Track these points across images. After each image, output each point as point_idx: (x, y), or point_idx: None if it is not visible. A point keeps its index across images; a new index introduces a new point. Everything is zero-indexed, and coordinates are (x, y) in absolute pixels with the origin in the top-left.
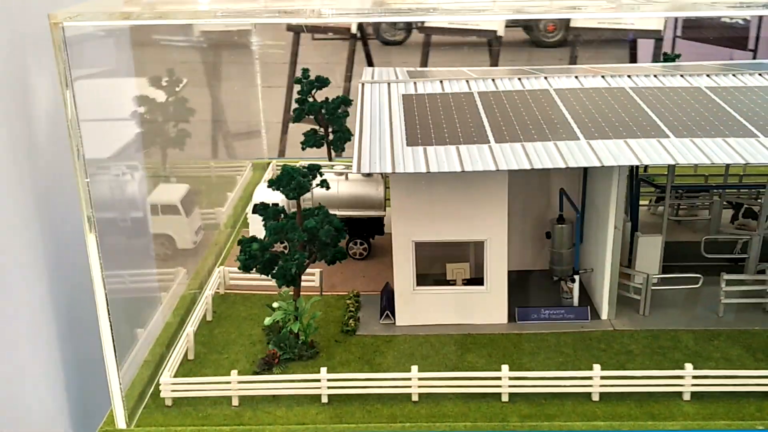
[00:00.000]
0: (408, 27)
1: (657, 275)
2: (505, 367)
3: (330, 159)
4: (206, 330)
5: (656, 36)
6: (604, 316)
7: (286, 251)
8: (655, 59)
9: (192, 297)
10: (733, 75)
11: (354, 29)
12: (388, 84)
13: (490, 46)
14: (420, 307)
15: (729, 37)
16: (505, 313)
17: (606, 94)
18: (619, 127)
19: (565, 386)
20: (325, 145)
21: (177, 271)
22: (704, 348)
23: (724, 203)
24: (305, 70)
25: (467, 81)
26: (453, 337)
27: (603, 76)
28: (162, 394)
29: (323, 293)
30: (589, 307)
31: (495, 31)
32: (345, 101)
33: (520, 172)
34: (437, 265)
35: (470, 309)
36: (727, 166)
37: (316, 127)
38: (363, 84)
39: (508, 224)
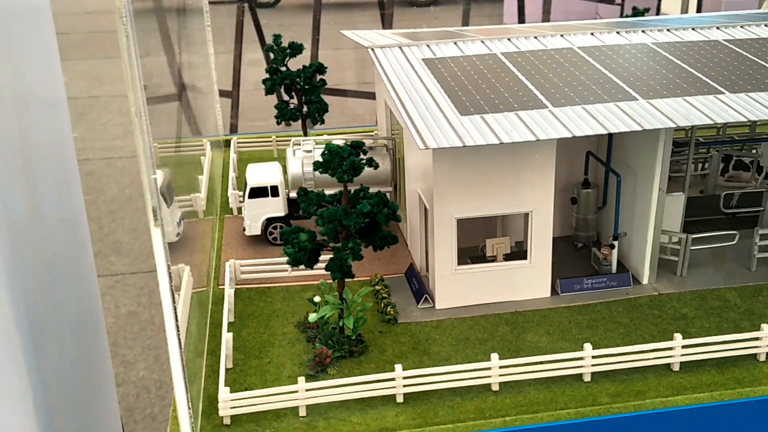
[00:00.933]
0: None
1: (696, 235)
2: (587, 346)
3: (305, 133)
4: (233, 332)
5: None
6: (645, 280)
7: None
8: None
9: (200, 297)
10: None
11: None
12: (401, 47)
13: (382, 9)
14: (461, 287)
15: None
16: (548, 287)
17: (632, 50)
18: (669, 85)
19: (647, 359)
20: (300, 118)
21: (180, 268)
22: (753, 305)
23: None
24: (277, 36)
25: (482, 41)
26: (502, 317)
27: (617, 32)
28: (221, 413)
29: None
30: (630, 273)
31: None
32: (320, 68)
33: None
34: (472, 241)
35: (513, 285)
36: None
37: (287, 99)
38: (374, 50)
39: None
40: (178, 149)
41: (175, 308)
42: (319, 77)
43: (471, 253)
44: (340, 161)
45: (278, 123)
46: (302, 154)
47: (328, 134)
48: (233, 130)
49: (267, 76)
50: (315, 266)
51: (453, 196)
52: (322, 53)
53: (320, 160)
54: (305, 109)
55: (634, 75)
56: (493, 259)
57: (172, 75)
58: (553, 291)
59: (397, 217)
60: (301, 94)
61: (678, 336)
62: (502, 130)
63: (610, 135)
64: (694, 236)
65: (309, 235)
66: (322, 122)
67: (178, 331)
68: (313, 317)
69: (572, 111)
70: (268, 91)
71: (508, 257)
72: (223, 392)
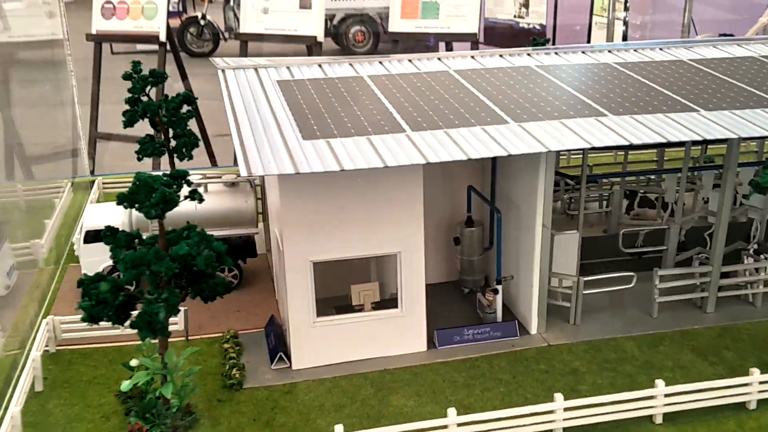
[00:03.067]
0: (215, 38)
1: (588, 277)
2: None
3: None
4: (36, 405)
5: (472, 39)
6: (533, 330)
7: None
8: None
9: (11, 361)
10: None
11: (162, 37)
12: (256, 69)
13: (310, 53)
14: (322, 342)
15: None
16: (424, 339)
17: (513, 73)
18: (546, 108)
19: (522, 426)
20: (167, 153)
21: None
22: (652, 356)
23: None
24: (136, 63)
25: (350, 64)
26: (367, 377)
27: (501, 55)
28: None
29: (189, 337)
30: (516, 322)
31: (315, 37)
32: (188, 98)
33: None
34: (335, 288)
35: (383, 338)
36: (626, 153)
37: (153, 133)
38: (224, 71)
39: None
40: (13, 193)
41: None
42: (186, 108)
43: (340, 302)
44: (149, 193)
45: (139, 159)
46: None
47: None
48: (92, 171)
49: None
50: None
51: (307, 235)
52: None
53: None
54: (172, 143)
55: (509, 98)
56: (361, 309)
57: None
58: (431, 344)
59: (225, 260)
60: (167, 127)
61: (559, 396)
62: (347, 156)
63: (493, 167)
64: (586, 279)
65: (111, 284)
66: (190, 158)
67: None
68: (125, 386)
69: (432, 135)
70: (127, 124)
71: (377, 306)
72: None
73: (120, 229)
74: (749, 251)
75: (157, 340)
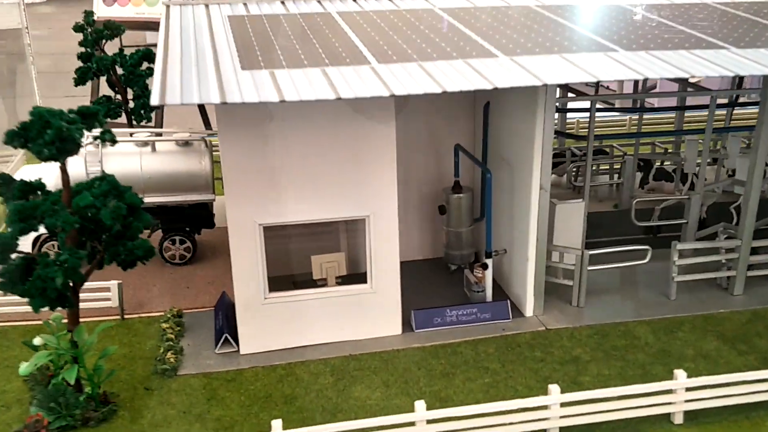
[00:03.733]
0: None
1: (594, 251)
2: (420, 406)
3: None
4: None
5: None
6: (529, 311)
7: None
8: None
9: None
10: None
11: None
12: (207, 5)
13: None
14: (275, 323)
15: None
16: (398, 321)
17: (508, 11)
18: (545, 43)
19: (509, 425)
20: (125, 115)
21: None
22: (670, 343)
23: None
24: (89, 13)
25: (318, 0)
26: (329, 364)
27: None
28: None
29: (125, 316)
30: (509, 302)
31: None
32: (148, 55)
33: (398, 123)
34: (298, 260)
35: (349, 319)
36: (640, 117)
37: (111, 94)
38: (168, 6)
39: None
40: None
41: None
42: (147, 65)
43: (305, 278)
44: (43, 129)
45: None
46: (84, 151)
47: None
48: None
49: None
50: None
51: (254, 192)
52: None
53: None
54: (131, 104)
55: (502, 34)
56: (324, 284)
57: None
58: (408, 326)
59: (142, 216)
60: (124, 86)
61: (554, 389)
62: (292, 88)
63: (485, 120)
64: (591, 252)
65: (4, 242)
66: (149, 120)
67: None
68: (24, 369)
69: (402, 68)
70: (78, 81)
71: (344, 281)
72: None
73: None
74: None
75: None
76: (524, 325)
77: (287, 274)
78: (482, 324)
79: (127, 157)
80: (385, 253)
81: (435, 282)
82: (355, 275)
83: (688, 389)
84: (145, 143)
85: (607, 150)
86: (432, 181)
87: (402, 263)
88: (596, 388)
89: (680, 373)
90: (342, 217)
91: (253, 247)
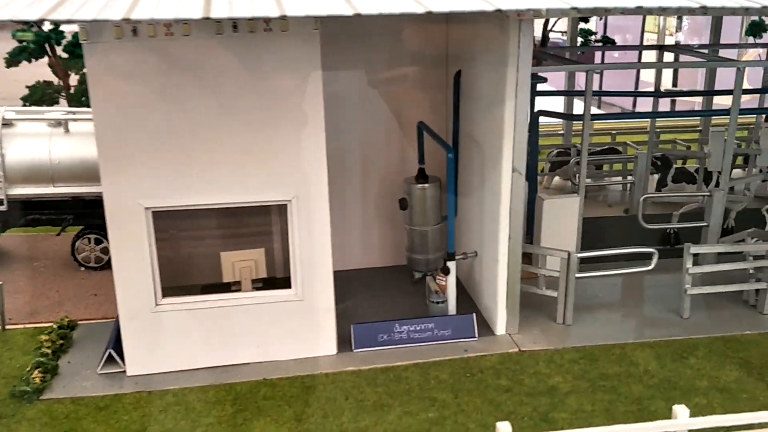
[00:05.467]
0: None
1: (584, 253)
2: None
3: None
4: None
5: None
6: (501, 329)
7: None
8: None
9: None
10: None
11: None
12: None
13: None
14: (171, 337)
15: None
16: (333, 337)
17: None
18: None
19: None
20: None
21: None
22: (677, 372)
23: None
24: None
25: None
26: (234, 390)
27: None
28: None
29: (7, 326)
30: (475, 316)
31: None
32: None
33: (341, 88)
34: (212, 261)
35: (269, 333)
36: (655, 100)
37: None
38: None
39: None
40: None
41: None
42: None
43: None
44: None
45: (27, 105)
46: None
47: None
48: None
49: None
50: None
51: (137, 170)
52: None
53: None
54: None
55: None
56: (238, 289)
57: None
58: (348, 344)
59: None
60: (64, 68)
61: (504, 428)
62: (153, 3)
63: (456, 93)
64: (581, 255)
65: None
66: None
67: None
68: None
69: None
70: (10, 63)
71: (262, 284)
72: None
73: None
74: None
75: None
76: (493, 346)
77: (196, 282)
78: (441, 343)
79: (32, 140)
80: (313, 249)
81: (394, 292)
82: (281, 279)
83: None
84: (57, 123)
85: (620, 149)
86: (397, 169)
87: (359, 270)
88: (572, 428)
89: (681, 411)
90: (254, 202)
91: (139, 238)
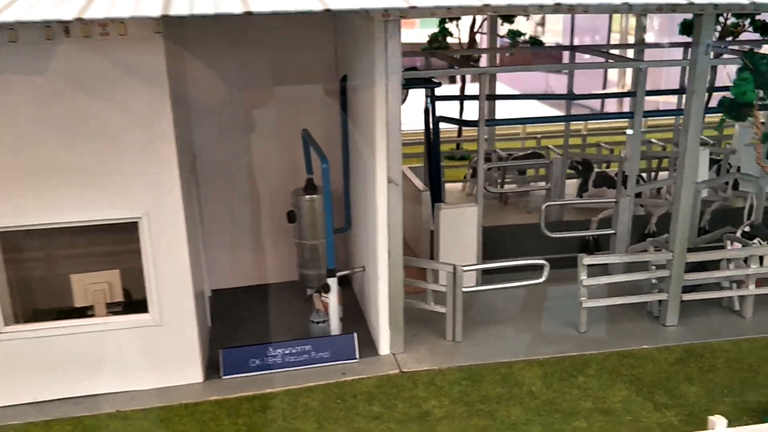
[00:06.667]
0: None
1: (469, 267)
2: None
3: None
4: None
5: None
6: (384, 348)
7: None
8: None
9: None
10: None
11: None
12: None
13: None
14: (17, 367)
15: None
16: (198, 364)
17: None
18: None
19: None
20: None
21: None
22: (563, 391)
23: (571, 164)
24: None
25: None
26: (81, 423)
27: None
28: None
29: None
30: (356, 336)
31: None
32: None
33: (222, 95)
34: (55, 284)
35: (127, 362)
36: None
37: None
38: None
39: (187, 197)
40: None
41: None
42: None
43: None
44: None
45: None
46: None
47: None
48: None
49: None
50: None
51: None
52: None
53: None
54: None
55: None
56: (93, 314)
57: None
58: (215, 371)
59: None
60: None
61: None
62: None
63: (343, 99)
64: (466, 269)
65: None
66: None
67: None
68: None
69: None
70: None
71: (120, 309)
72: None
73: None
74: (735, 234)
75: None
76: (373, 368)
77: (51, 306)
78: (319, 366)
79: None
80: (170, 270)
81: (283, 312)
82: (141, 302)
83: None
84: None
85: (543, 153)
86: (289, 180)
87: (251, 288)
88: None
89: None
90: (99, 220)
91: None
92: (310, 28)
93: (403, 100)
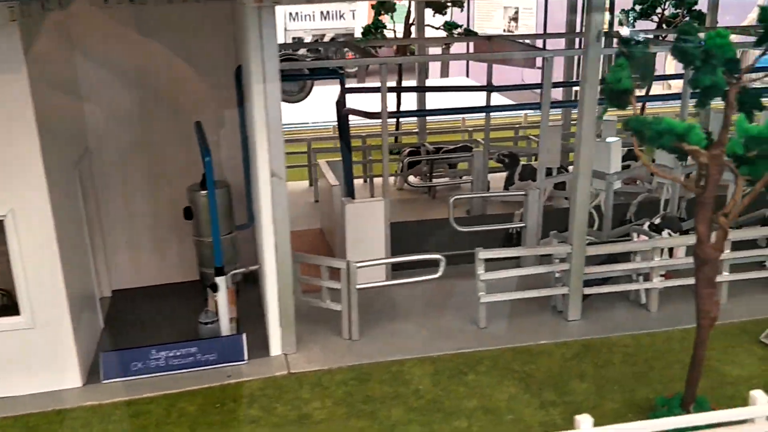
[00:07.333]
0: None
1: (363, 262)
2: None
3: None
4: None
5: None
6: (276, 349)
7: None
8: None
9: None
10: None
11: None
12: None
13: None
14: None
15: None
16: (76, 368)
17: None
18: None
19: None
20: None
21: None
22: (450, 389)
23: (498, 157)
24: None
25: None
26: None
27: None
28: None
29: None
30: (244, 337)
31: None
32: None
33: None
34: None
35: (2, 367)
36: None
37: None
38: None
39: (65, 193)
40: None
41: None
42: None
43: None
44: None
45: None
46: None
47: None
48: None
49: None
50: None
51: None
52: None
53: None
54: None
55: None
56: None
57: None
58: (95, 374)
59: None
60: None
61: None
62: None
63: (238, 91)
64: (360, 265)
65: None
66: None
67: None
68: None
69: None
70: None
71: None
72: None
73: None
74: (643, 226)
75: None
76: (261, 369)
77: None
78: (205, 369)
79: None
80: (40, 270)
81: (182, 313)
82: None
83: None
84: None
85: (472, 146)
86: (190, 174)
87: (152, 288)
88: None
89: None
90: None
91: None
92: (209, 17)
93: (308, 93)
